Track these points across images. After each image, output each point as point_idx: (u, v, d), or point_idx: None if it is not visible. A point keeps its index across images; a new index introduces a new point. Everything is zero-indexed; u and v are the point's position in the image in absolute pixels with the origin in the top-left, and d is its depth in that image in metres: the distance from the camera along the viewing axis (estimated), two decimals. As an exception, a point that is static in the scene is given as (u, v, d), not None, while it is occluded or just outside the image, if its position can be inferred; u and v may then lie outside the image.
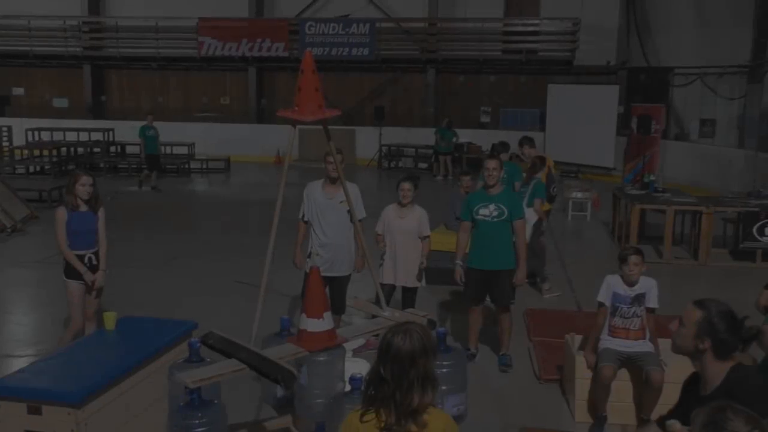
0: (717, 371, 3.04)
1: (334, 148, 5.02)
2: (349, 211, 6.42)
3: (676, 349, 3.16)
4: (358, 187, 6.59)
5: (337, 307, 6.53)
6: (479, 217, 6.49)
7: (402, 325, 2.83)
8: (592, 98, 19.81)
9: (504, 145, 9.73)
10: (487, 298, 6.76)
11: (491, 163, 6.53)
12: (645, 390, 5.52)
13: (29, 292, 9.23)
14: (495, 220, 6.45)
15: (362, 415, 2.76)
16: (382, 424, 2.70)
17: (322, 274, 6.05)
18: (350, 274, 6.65)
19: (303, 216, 6.61)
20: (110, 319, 4.96)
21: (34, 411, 3.98)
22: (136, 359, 4.50)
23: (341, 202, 6.20)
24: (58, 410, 3.96)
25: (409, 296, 6.84)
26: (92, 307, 6.32)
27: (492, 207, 6.45)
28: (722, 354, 3.03)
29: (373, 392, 2.75)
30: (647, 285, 5.70)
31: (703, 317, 3.03)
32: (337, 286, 6.54)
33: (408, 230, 6.66)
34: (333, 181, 6.34)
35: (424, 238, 6.68)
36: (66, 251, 6.08)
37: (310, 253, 6.50)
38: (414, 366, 2.70)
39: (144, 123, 17.13)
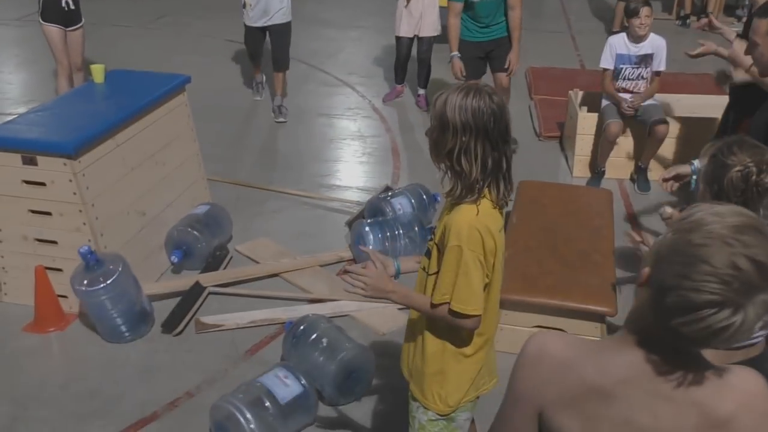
0: None
1: None
2: None
3: (764, 70, 2.96)
4: None
5: (280, 62, 6.85)
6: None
7: (463, 90, 2.15)
8: None
9: None
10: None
11: None
12: (647, 142, 5.49)
13: (13, 51, 8.91)
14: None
15: (480, 208, 2.19)
16: (495, 199, 2.24)
17: (258, 24, 6.65)
18: (289, 22, 6.75)
19: None
20: (98, 72, 4.74)
21: (30, 162, 3.91)
22: (129, 111, 4.35)
23: None
24: (53, 161, 3.87)
25: (425, 47, 7.00)
26: (77, 58, 6.27)
27: None
28: None
29: (485, 173, 2.19)
30: (656, 45, 5.45)
31: None
32: (276, 37, 6.75)
33: None
34: None
35: None
36: None
37: (245, 3, 6.68)
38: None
39: None
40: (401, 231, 4.62)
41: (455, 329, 2.28)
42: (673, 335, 1.25)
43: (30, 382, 3.68)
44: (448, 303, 2.20)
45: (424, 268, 2.35)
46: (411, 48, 7.08)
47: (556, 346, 1.38)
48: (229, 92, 7.49)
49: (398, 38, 7.03)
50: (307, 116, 7.01)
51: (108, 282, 3.82)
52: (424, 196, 5.12)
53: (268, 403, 3.19)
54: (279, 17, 6.68)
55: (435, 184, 5.60)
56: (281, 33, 6.78)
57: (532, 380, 1.37)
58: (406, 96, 7.43)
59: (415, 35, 6.98)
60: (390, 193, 5.12)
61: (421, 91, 7.26)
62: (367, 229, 4.58)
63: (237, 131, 6.69)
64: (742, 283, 1.15)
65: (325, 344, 3.54)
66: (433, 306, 2.24)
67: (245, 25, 6.86)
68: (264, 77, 7.41)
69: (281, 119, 6.92)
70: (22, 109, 6.91)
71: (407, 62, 7.15)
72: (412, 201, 5.03)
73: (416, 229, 4.66)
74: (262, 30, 6.79)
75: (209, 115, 6.42)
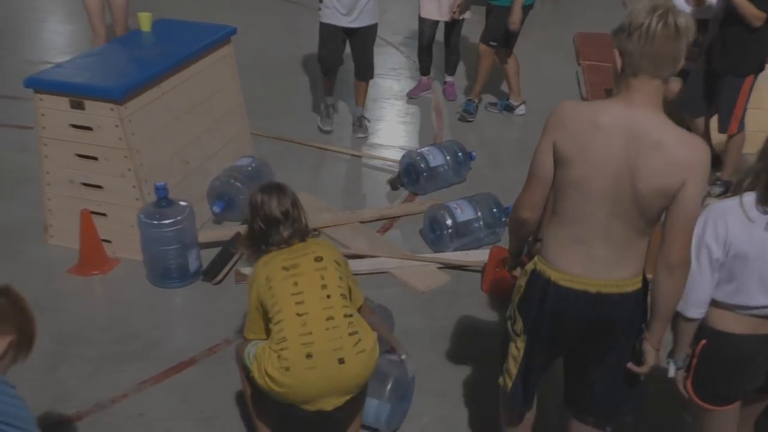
0: None
1: None
2: None
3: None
4: None
5: (364, 70, 5.72)
6: None
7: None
8: None
9: None
10: None
11: None
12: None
13: (60, 2, 8.96)
14: None
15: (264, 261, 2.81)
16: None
17: (342, 25, 5.45)
18: (376, 24, 5.60)
19: None
20: (145, 20, 4.74)
21: (77, 106, 3.93)
22: (175, 60, 4.35)
23: None
24: (100, 105, 3.90)
25: (455, 32, 6.27)
26: (121, 26, 6.06)
27: None
28: None
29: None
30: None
31: None
32: (359, 42, 5.57)
33: None
34: None
35: None
36: None
37: None
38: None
39: None
40: (479, 213, 4.39)
41: None
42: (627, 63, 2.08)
43: (73, 321, 3.74)
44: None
45: None
46: (435, 31, 6.26)
47: (571, 103, 2.24)
48: (272, 48, 7.46)
49: (421, 19, 6.20)
50: (351, 75, 6.93)
51: (169, 221, 3.91)
52: (460, 153, 5.10)
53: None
54: (366, 17, 5.48)
55: (476, 144, 5.58)
56: (367, 36, 5.57)
57: (553, 121, 2.21)
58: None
59: (440, 19, 6.15)
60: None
61: (449, 78, 6.57)
62: (449, 231, 4.32)
63: (280, 87, 6.66)
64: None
65: None
66: None
67: (322, 23, 5.56)
68: (335, 99, 6.05)
69: (361, 134, 5.86)
70: (67, 59, 6.98)
71: (431, 47, 6.35)
72: (446, 155, 5.04)
73: (494, 210, 4.44)
74: (345, 31, 5.55)
75: (252, 71, 6.39)
